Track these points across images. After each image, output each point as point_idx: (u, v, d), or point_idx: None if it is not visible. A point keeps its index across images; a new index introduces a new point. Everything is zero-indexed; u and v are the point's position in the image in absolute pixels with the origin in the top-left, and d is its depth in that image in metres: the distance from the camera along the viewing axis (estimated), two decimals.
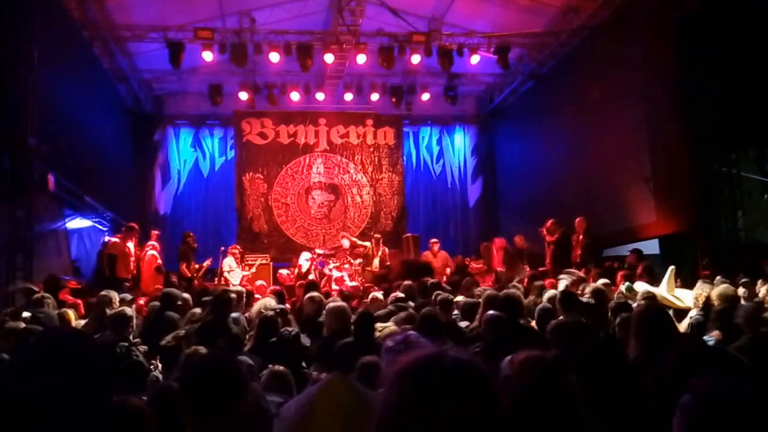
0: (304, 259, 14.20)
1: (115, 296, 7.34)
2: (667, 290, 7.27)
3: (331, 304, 6.13)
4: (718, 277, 8.72)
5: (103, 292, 7.45)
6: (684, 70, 10.98)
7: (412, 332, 3.33)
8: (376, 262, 13.70)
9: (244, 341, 5.93)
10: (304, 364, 5.50)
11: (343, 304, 6.29)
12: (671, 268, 7.83)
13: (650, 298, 6.98)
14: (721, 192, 11.09)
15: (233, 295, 7.06)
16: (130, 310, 6.28)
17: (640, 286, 7.77)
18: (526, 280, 11.19)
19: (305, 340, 5.74)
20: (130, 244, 12.20)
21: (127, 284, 11.31)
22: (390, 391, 1.30)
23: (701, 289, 6.70)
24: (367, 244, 14.62)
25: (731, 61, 10.26)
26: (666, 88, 11.30)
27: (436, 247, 14.29)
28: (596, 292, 7.24)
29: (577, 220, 12.30)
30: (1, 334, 6.11)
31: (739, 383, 1.46)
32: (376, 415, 1.31)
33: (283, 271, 14.31)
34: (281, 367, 4.14)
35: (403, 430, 1.25)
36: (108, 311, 6.82)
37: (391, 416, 1.28)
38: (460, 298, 7.90)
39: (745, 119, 10.30)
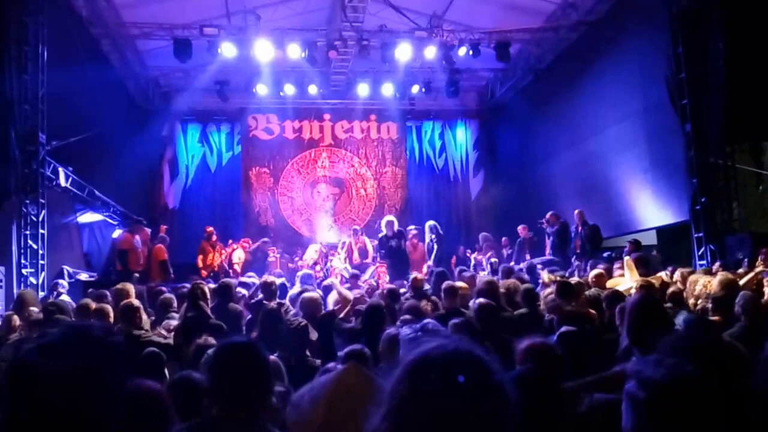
0: (314, 251, 14.37)
1: (131, 288, 7.57)
2: (632, 279, 7.61)
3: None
4: (716, 265, 8.98)
5: (119, 285, 7.67)
6: (680, 64, 11.09)
7: (430, 320, 3.42)
8: (355, 254, 13.78)
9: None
10: (308, 353, 5.62)
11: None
12: (626, 258, 8.51)
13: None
14: (716, 183, 11.23)
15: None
16: (137, 301, 6.47)
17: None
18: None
19: (312, 333, 5.72)
20: (138, 239, 12.47)
21: (137, 275, 11.64)
22: (396, 384, 1.32)
23: (702, 277, 6.93)
24: (346, 240, 14.49)
25: (727, 55, 10.36)
26: (662, 82, 11.40)
27: (415, 240, 13.78)
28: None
29: (576, 211, 12.42)
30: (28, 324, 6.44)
31: (676, 365, 1.51)
32: (385, 407, 1.32)
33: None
34: (272, 357, 4.18)
35: (410, 423, 1.27)
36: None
37: (398, 409, 1.29)
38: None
39: (740, 112, 10.42)
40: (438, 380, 1.25)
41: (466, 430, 1.23)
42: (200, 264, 13.51)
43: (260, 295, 7.42)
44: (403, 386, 1.30)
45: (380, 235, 12.67)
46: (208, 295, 6.52)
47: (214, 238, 13.76)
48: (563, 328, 4.45)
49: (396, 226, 12.54)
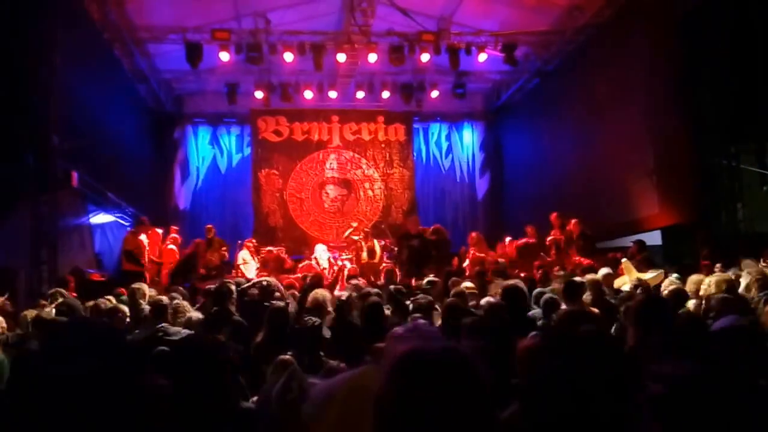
0: (322, 251, 14.46)
1: (145, 288, 7.68)
2: (630, 279, 7.76)
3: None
4: (718, 265, 9.01)
5: (135, 285, 7.78)
6: (685, 65, 11.13)
7: (421, 321, 3.43)
8: (364, 254, 13.91)
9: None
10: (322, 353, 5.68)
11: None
12: (623, 261, 8.67)
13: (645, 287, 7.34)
14: (721, 184, 11.19)
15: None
16: (166, 299, 6.56)
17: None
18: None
19: (326, 332, 5.72)
20: (143, 237, 12.49)
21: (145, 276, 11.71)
22: (384, 382, 1.38)
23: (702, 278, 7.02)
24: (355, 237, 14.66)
25: (731, 56, 10.38)
26: (668, 84, 11.45)
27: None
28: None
29: (573, 221, 12.22)
30: (34, 324, 6.53)
31: (703, 369, 1.54)
32: (374, 403, 1.38)
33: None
34: (287, 356, 4.17)
35: (395, 419, 1.32)
36: (142, 302, 7.14)
37: (386, 405, 1.35)
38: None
39: (745, 113, 10.45)
40: (425, 376, 1.32)
41: (448, 422, 1.29)
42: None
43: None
44: (388, 383, 1.37)
45: (402, 233, 12.76)
46: (234, 294, 6.61)
47: (211, 236, 13.80)
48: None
49: (419, 226, 12.64)
